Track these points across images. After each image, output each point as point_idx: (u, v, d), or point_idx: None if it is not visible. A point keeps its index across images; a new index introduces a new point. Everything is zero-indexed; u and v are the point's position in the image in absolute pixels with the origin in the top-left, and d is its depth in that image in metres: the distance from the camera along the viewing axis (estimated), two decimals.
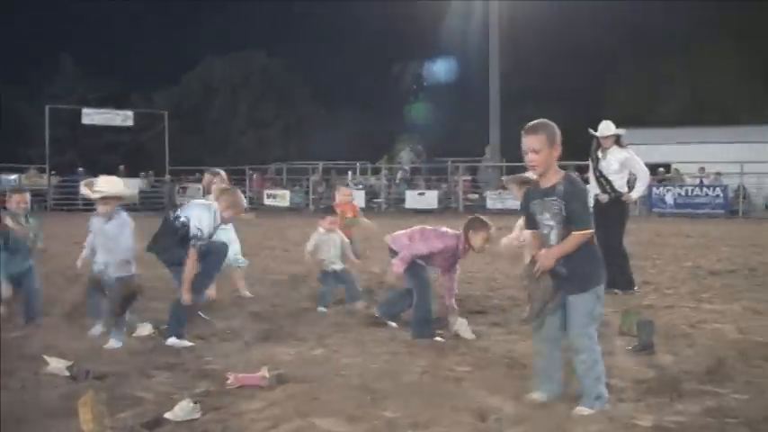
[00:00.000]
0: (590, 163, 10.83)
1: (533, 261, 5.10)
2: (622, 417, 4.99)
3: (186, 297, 7.27)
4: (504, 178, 10.04)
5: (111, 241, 7.34)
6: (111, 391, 5.62)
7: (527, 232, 5.51)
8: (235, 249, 9.75)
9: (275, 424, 4.96)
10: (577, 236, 5.01)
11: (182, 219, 7.37)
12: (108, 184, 7.45)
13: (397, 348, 7.07)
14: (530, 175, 6.32)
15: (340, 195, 11.58)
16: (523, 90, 45.87)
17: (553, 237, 5.11)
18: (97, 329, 7.65)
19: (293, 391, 5.66)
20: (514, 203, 8.36)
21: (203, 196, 10.30)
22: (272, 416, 5.10)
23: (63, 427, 4.95)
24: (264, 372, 5.87)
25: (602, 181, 10.52)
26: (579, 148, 17.25)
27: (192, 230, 7.27)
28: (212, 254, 7.63)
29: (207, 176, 10.15)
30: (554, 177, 5.11)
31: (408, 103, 55.49)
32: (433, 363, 6.48)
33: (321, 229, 9.58)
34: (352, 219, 10.82)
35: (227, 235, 9.33)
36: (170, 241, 7.41)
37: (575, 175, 5.30)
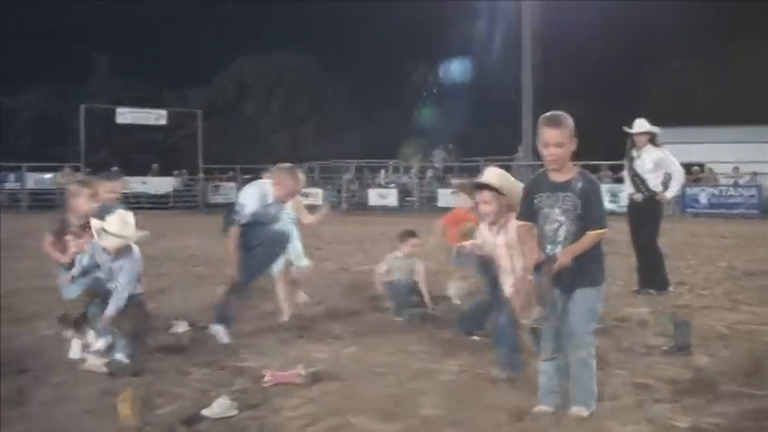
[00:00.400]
0: (625, 162, 10.80)
1: (552, 259, 4.90)
2: (659, 417, 4.98)
3: (231, 271, 7.17)
4: (454, 182, 8.20)
5: (116, 275, 6.51)
6: (148, 388, 5.70)
7: (519, 224, 5.24)
8: (296, 250, 8.83)
9: (312, 421, 5.00)
10: (593, 235, 4.88)
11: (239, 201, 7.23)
12: (122, 226, 6.44)
13: (433, 347, 7.08)
14: (485, 178, 6.17)
15: (462, 199, 9.57)
16: (556, 89, 45.59)
17: (562, 233, 4.94)
18: (101, 343, 6.58)
19: (329, 388, 5.71)
20: None
21: None
22: (308, 413, 5.15)
23: (101, 422, 5.02)
24: (300, 369, 5.92)
25: (637, 180, 10.47)
26: (611, 148, 17.21)
27: (235, 206, 7.10)
28: (267, 240, 7.42)
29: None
30: (568, 172, 4.97)
31: (439, 102, 55.42)
32: (470, 362, 6.48)
33: (399, 254, 8.84)
34: (473, 226, 8.56)
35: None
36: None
37: (591, 173, 5.16)
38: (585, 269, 4.94)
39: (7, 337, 7.54)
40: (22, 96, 49.91)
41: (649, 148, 10.45)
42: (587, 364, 5.00)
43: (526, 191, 5.17)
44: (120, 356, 6.33)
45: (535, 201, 5.03)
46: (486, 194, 6.02)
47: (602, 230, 4.91)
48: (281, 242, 7.62)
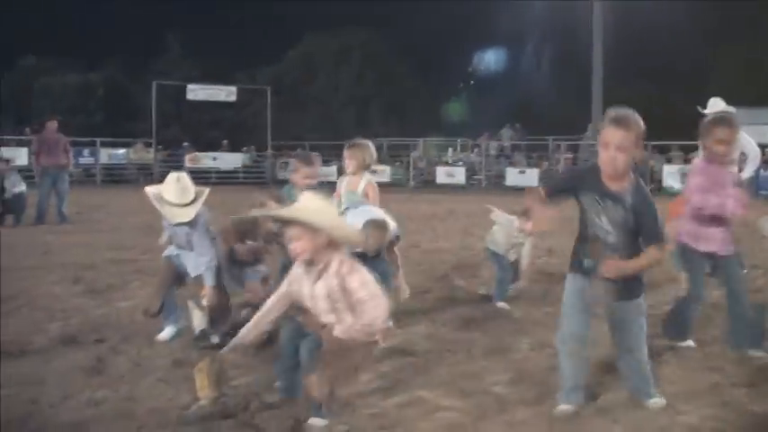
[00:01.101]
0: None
1: (599, 245, 4.57)
2: (735, 402, 4.91)
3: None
4: (254, 211, 6.11)
5: (191, 245, 6.39)
6: (224, 359, 5.78)
7: (538, 188, 4.77)
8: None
9: (384, 397, 5.04)
10: (654, 253, 4.52)
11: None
12: (181, 192, 6.09)
13: (505, 324, 7.08)
14: (291, 211, 4.65)
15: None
16: (627, 68, 44.90)
17: (611, 239, 4.56)
18: (168, 332, 6.58)
19: (401, 364, 5.74)
20: None
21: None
22: (380, 388, 5.19)
23: (177, 392, 5.13)
24: None
25: None
26: (685, 128, 16.89)
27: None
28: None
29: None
30: (622, 180, 4.52)
31: (506, 81, 54.96)
32: (541, 339, 6.45)
33: (520, 234, 7.96)
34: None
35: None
36: None
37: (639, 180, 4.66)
38: (637, 277, 4.71)
39: (84, 308, 7.75)
40: (95, 74, 50.68)
41: None
42: (646, 363, 4.88)
43: (571, 173, 4.87)
44: (203, 328, 6.43)
45: (580, 198, 4.64)
46: (295, 230, 4.53)
47: (664, 248, 4.63)
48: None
